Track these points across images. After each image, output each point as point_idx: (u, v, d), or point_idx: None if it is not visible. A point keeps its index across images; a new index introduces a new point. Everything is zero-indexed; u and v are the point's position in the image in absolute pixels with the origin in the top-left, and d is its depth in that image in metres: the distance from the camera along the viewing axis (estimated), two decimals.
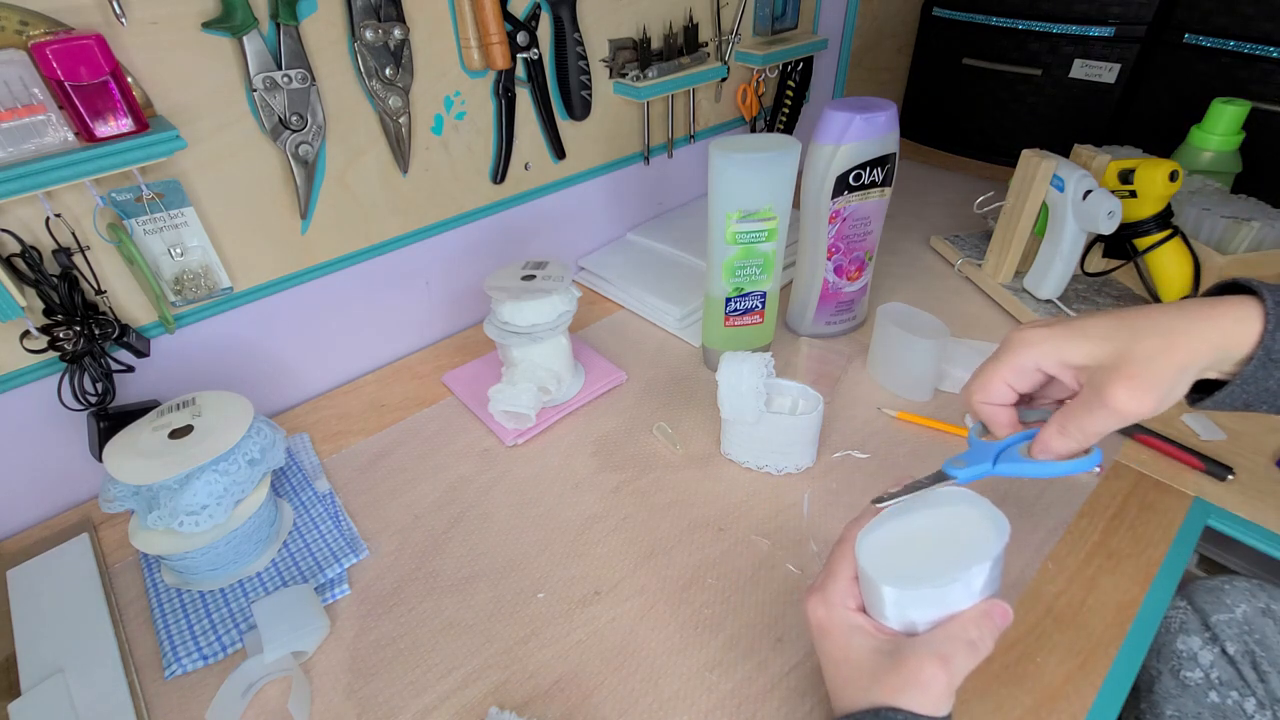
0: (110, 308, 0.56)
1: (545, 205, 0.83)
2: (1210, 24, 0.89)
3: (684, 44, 0.85)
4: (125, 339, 0.55)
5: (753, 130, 1.03)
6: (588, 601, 0.51)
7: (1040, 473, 0.39)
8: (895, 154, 0.66)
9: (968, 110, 1.16)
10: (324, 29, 0.58)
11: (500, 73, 0.70)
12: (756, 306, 0.67)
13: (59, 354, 0.53)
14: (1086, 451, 0.38)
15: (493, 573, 0.53)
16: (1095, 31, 0.97)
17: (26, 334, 0.52)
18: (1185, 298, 0.70)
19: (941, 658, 0.33)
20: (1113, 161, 0.71)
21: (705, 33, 0.87)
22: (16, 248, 0.50)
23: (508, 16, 0.68)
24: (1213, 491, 0.56)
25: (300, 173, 0.61)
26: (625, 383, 0.72)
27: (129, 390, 0.60)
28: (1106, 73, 0.98)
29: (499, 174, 0.76)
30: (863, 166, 0.65)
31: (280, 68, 0.56)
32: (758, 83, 0.97)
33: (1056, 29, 1.00)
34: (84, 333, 0.53)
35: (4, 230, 0.49)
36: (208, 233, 0.58)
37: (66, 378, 0.54)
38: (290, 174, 0.61)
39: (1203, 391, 0.38)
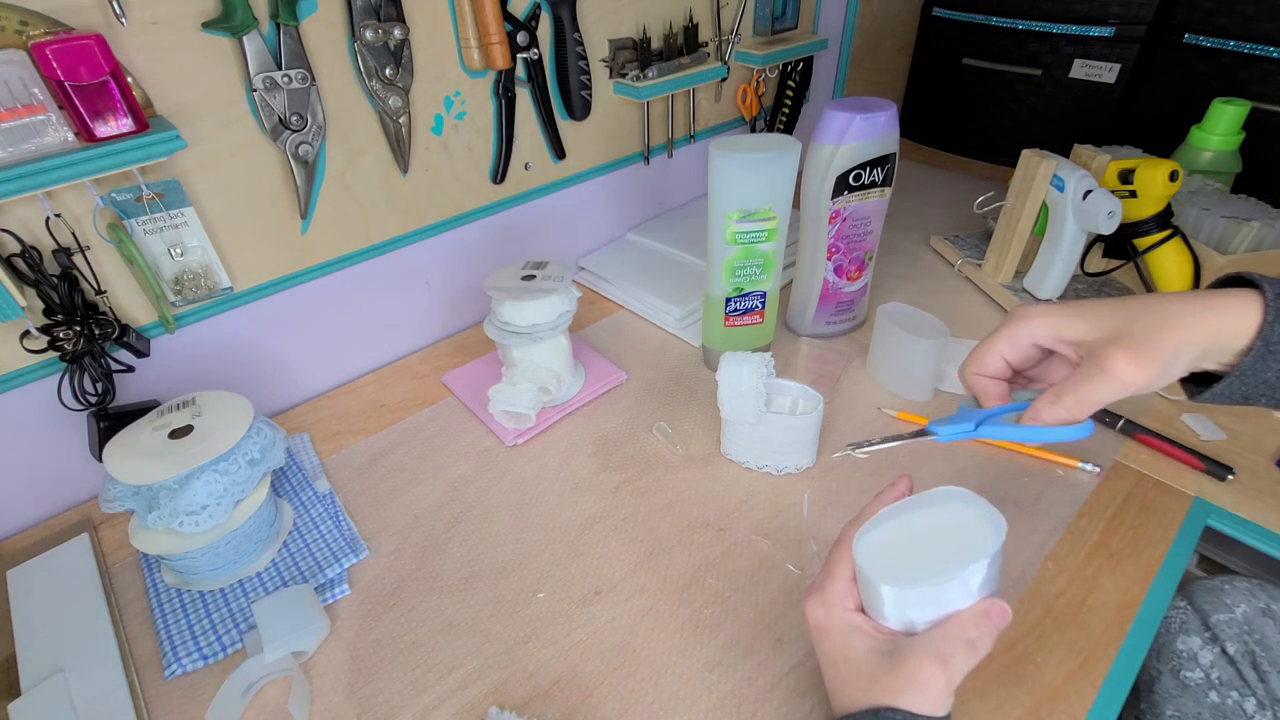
0: (110, 308, 0.56)
1: (545, 205, 0.83)
2: (1210, 24, 0.89)
3: (684, 44, 0.85)
4: (125, 339, 0.55)
5: (753, 130, 1.03)
6: (588, 601, 0.51)
7: (1029, 437, 0.39)
8: (895, 154, 0.66)
9: (968, 110, 1.16)
10: (324, 29, 0.58)
11: (500, 73, 0.70)
12: (756, 306, 0.67)
13: (59, 354, 0.53)
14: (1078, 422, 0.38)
15: (493, 573, 0.53)
16: (1095, 31, 0.97)
17: (26, 334, 0.52)
18: None
19: (940, 657, 0.33)
20: (1113, 161, 0.71)
21: (705, 33, 0.87)
22: (16, 248, 0.50)
23: (508, 16, 0.68)
24: (1213, 491, 0.56)
25: (300, 173, 0.61)
26: (625, 383, 0.72)
27: (129, 390, 0.60)
28: (1106, 73, 0.98)
29: (499, 174, 0.76)
30: (863, 166, 0.65)
31: (280, 68, 0.56)
32: (758, 83, 0.97)
33: (1056, 29, 1.00)
34: (84, 333, 0.53)
35: (4, 230, 0.49)
36: (208, 233, 0.58)
37: (66, 378, 0.54)
38: (290, 174, 0.61)
39: (1202, 386, 0.38)
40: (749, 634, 0.48)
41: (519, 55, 0.71)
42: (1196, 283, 0.70)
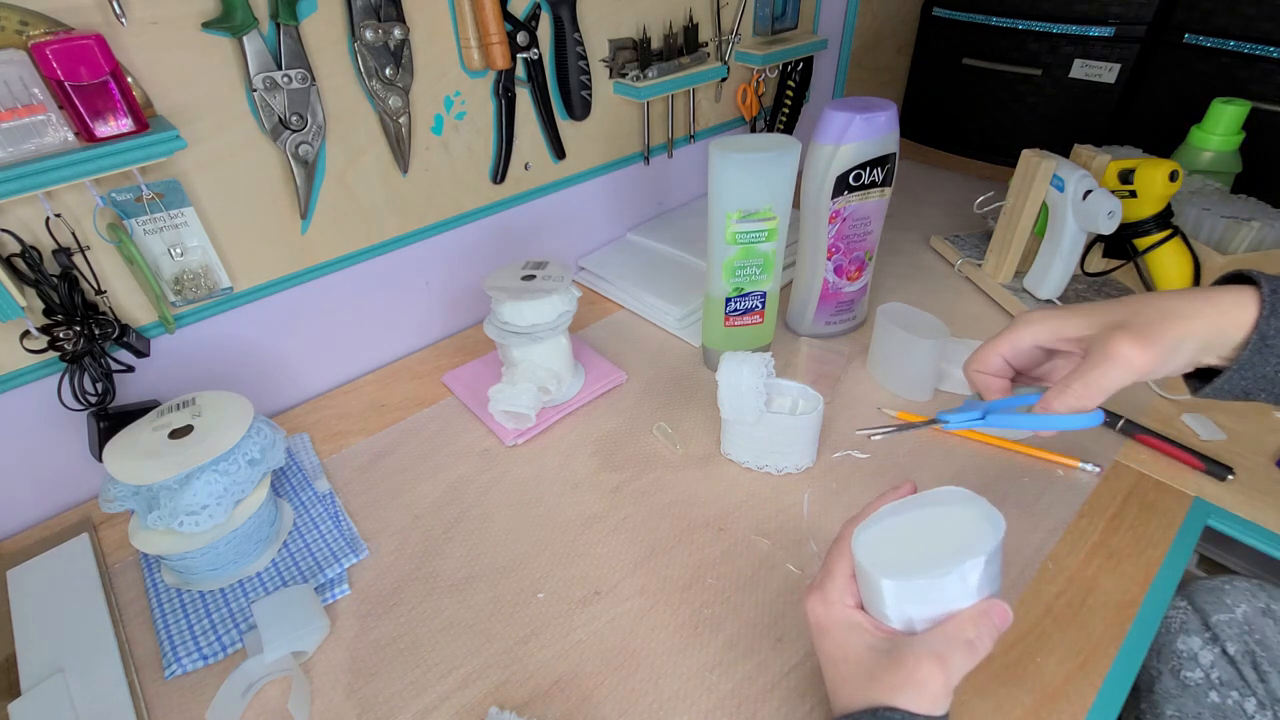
0: (110, 308, 0.56)
1: (545, 205, 0.83)
2: (1210, 24, 0.89)
3: (684, 44, 0.85)
4: (125, 339, 0.55)
5: (753, 130, 1.03)
6: (588, 601, 0.51)
7: (1039, 425, 0.39)
8: (895, 154, 0.66)
9: (968, 110, 1.16)
10: (324, 29, 0.58)
11: (500, 73, 0.70)
12: (756, 306, 0.67)
13: (59, 354, 0.53)
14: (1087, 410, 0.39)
15: (492, 573, 0.53)
16: (1095, 31, 0.97)
17: (26, 334, 0.52)
18: None
19: (938, 657, 0.33)
20: (1113, 161, 0.71)
21: (705, 33, 0.87)
22: (16, 248, 0.50)
23: (508, 16, 0.68)
24: (1213, 491, 0.56)
25: (300, 173, 0.61)
26: (625, 383, 0.72)
27: (129, 390, 0.60)
28: (1106, 73, 0.98)
29: (499, 174, 0.76)
30: (863, 166, 0.65)
31: (280, 68, 0.56)
32: (758, 83, 0.97)
33: (1056, 29, 1.00)
34: (84, 333, 0.53)
35: (4, 230, 0.49)
36: (208, 233, 0.58)
37: (66, 378, 0.54)
38: (290, 174, 0.61)
39: (1204, 381, 0.39)
40: (749, 634, 0.48)
41: (519, 55, 0.71)
42: (1196, 282, 0.70)
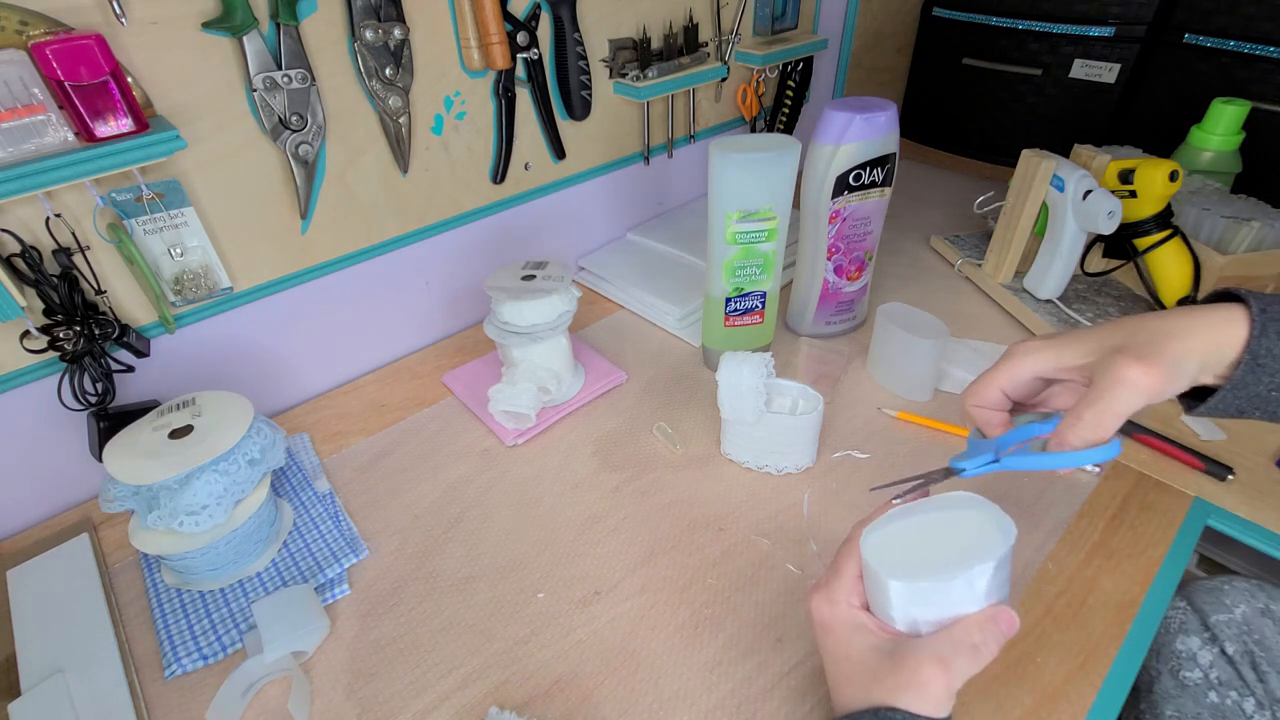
0: (110, 308, 0.56)
1: (545, 205, 0.83)
2: (1210, 24, 0.89)
3: (684, 44, 0.85)
4: (125, 339, 0.55)
5: (753, 130, 1.03)
6: (588, 601, 0.51)
7: (1057, 464, 0.38)
8: (895, 154, 0.66)
9: (968, 110, 1.16)
10: (324, 29, 0.58)
11: (500, 73, 0.70)
12: (756, 306, 0.67)
13: (59, 354, 0.53)
14: (1105, 441, 0.38)
15: (493, 573, 0.53)
16: (1095, 31, 0.97)
17: (26, 334, 0.52)
18: (1182, 300, 0.71)
19: (942, 659, 0.33)
20: (1113, 161, 0.71)
21: (705, 33, 0.87)
22: (16, 248, 0.50)
23: (508, 16, 0.68)
24: (1213, 491, 0.56)
25: (300, 173, 0.61)
26: (625, 383, 0.72)
27: (129, 390, 0.60)
28: (1106, 73, 0.98)
29: (499, 174, 0.76)
30: (863, 166, 0.65)
31: (280, 68, 0.56)
32: (758, 83, 0.97)
33: (1056, 29, 1.00)
34: (84, 333, 0.53)
35: (4, 230, 0.49)
36: (208, 233, 0.58)
37: (66, 378, 0.54)
38: (290, 174, 0.61)
39: (1198, 400, 0.39)
40: (749, 634, 0.48)
41: (519, 55, 0.71)
42: (1196, 283, 0.70)
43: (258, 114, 0.57)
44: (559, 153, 0.80)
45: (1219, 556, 0.76)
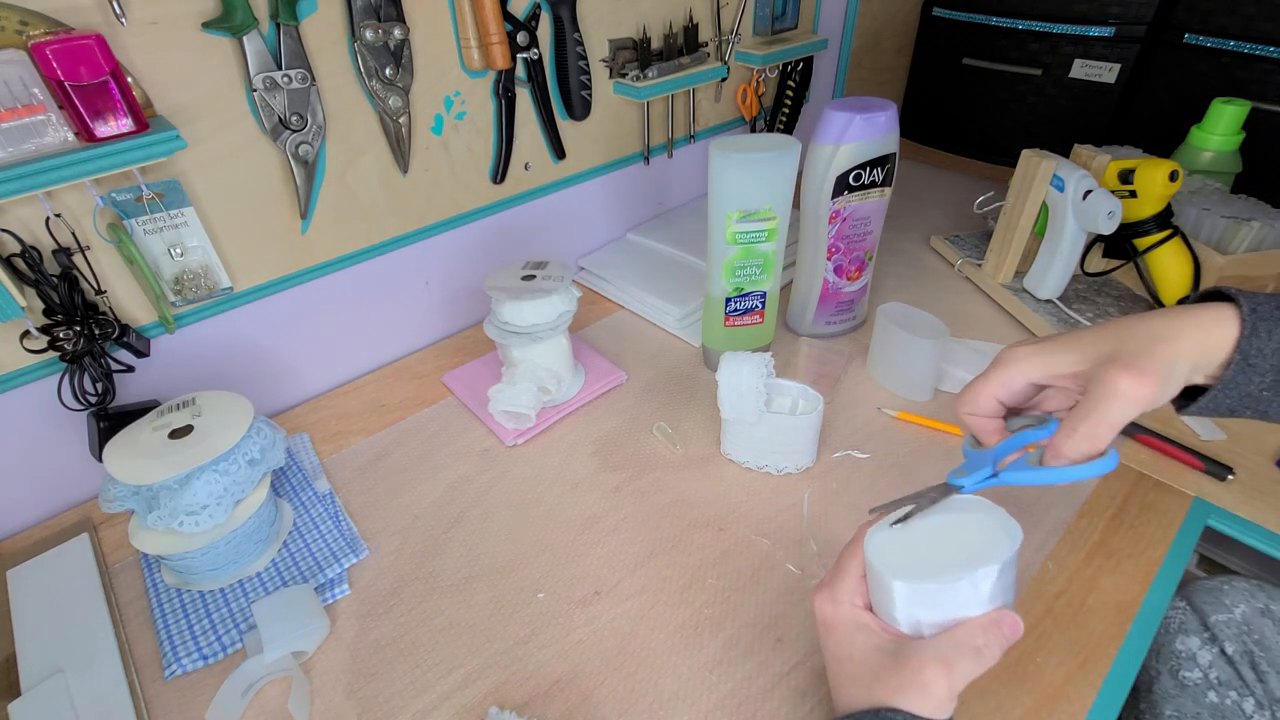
0: (110, 308, 0.56)
1: (545, 205, 0.83)
2: (1210, 24, 0.89)
3: (684, 44, 0.85)
4: (125, 339, 0.55)
5: (753, 130, 1.03)
6: (588, 601, 0.51)
7: (1058, 479, 0.38)
8: (895, 154, 0.66)
9: (968, 110, 1.16)
10: (324, 29, 0.58)
11: (500, 73, 0.70)
12: (756, 306, 0.67)
13: (59, 354, 0.53)
14: (1101, 454, 0.37)
15: (493, 573, 0.53)
16: (1095, 31, 0.97)
17: (26, 334, 0.52)
18: (1181, 301, 0.71)
19: (944, 661, 0.33)
20: (1113, 161, 0.71)
21: (705, 33, 0.87)
22: (16, 248, 0.50)
23: (508, 16, 0.68)
24: (1213, 491, 0.56)
25: (300, 173, 0.61)
26: (625, 383, 0.72)
27: (129, 390, 0.60)
28: (1106, 73, 0.98)
29: (499, 174, 0.76)
30: (863, 166, 0.65)
31: (280, 68, 0.56)
32: (758, 83, 0.97)
33: (1056, 29, 1.00)
34: (84, 333, 0.53)
35: (4, 230, 0.49)
36: (208, 233, 0.58)
37: (66, 378, 0.54)
38: (290, 174, 0.61)
39: (1189, 399, 0.38)
40: (749, 634, 0.48)
41: (519, 55, 0.71)
42: (1196, 283, 0.70)
43: (258, 114, 0.57)
44: (559, 153, 0.80)
45: (1219, 556, 0.76)
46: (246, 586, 0.52)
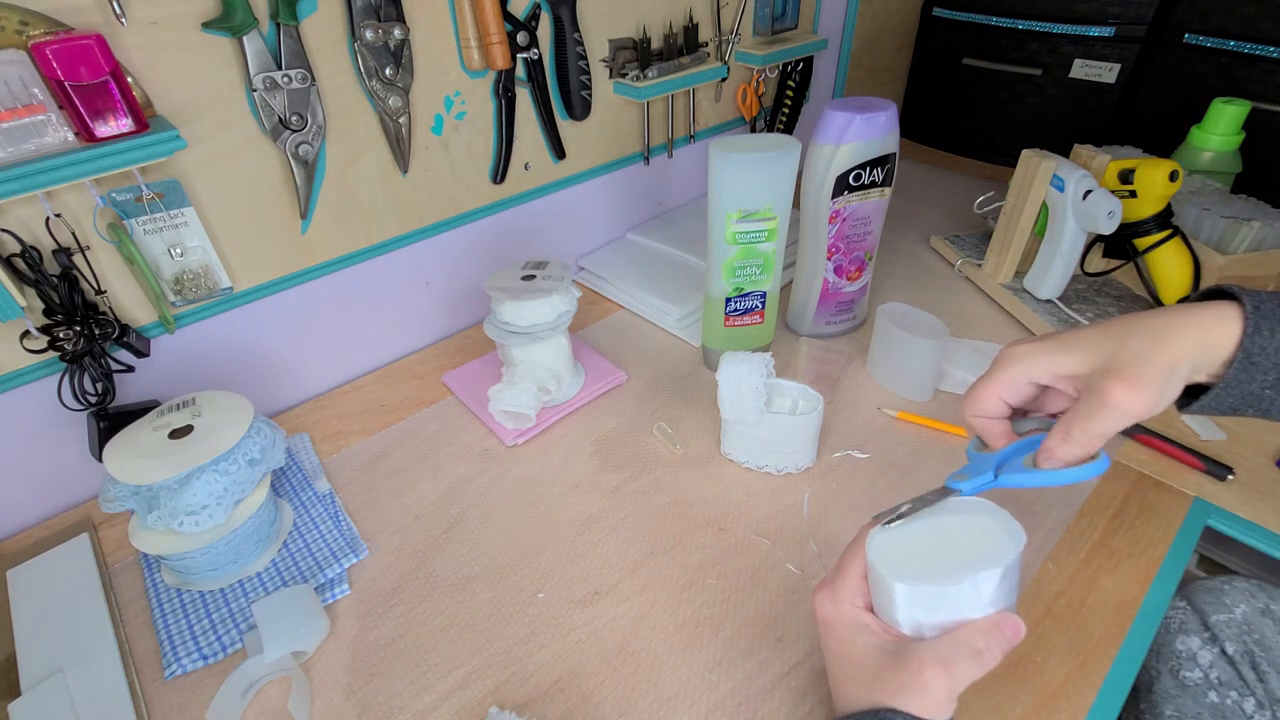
0: (110, 308, 0.56)
1: (545, 205, 0.83)
2: (1210, 24, 0.89)
3: (684, 44, 0.85)
4: (125, 339, 0.55)
5: (753, 130, 1.03)
6: (588, 601, 0.51)
7: (1050, 481, 0.38)
8: (895, 154, 0.66)
9: (968, 110, 1.16)
10: (324, 29, 0.58)
11: (500, 73, 0.70)
12: (756, 306, 0.67)
13: (59, 354, 0.53)
14: (1093, 457, 0.38)
15: (493, 573, 0.53)
16: (1095, 31, 0.97)
17: (26, 334, 0.52)
18: (1178, 302, 0.71)
19: (944, 662, 0.33)
20: (1113, 161, 0.71)
21: (705, 33, 0.87)
22: (16, 248, 0.50)
23: (508, 16, 0.68)
24: (1213, 491, 0.56)
25: (300, 173, 0.61)
26: (625, 383, 0.72)
27: (129, 390, 0.60)
28: (1106, 73, 0.98)
29: (499, 174, 0.76)
30: (863, 166, 0.65)
31: (280, 68, 0.56)
32: (758, 83, 0.97)
33: (1056, 29, 1.00)
34: (84, 333, 0.53)
35: (4, 230, 0.49)
36: (208, 233, 0.58)
37: (66, 378, 0.54)
38: (290, 174, 0.61)
39: (1191, 398, 0.38)
40: (749, 634, 0.48)
41: (519, 55, 0.71)
42: (1196, 283, 0.70)
43: (258, 114, 0.57)
44: (559, 153, 0.80)
45: (1219, 556, 0.76)
46: (246, 586, 0.52)
